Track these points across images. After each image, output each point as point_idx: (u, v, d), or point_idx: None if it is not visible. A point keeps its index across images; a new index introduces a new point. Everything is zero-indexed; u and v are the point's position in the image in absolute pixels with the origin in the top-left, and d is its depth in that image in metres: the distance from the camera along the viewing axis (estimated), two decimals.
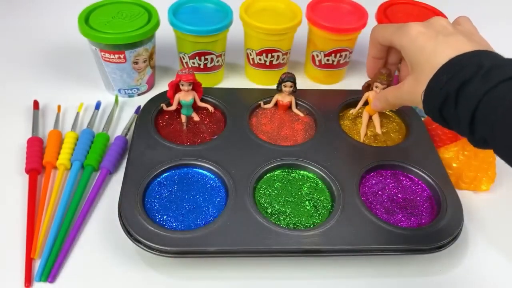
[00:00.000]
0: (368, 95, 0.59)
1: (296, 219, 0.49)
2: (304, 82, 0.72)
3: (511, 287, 0.49)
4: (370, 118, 0.61)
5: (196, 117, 0.59)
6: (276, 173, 0.54)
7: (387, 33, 0.47)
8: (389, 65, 0.53)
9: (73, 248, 0.48)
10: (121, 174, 0.53)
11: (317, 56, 0.69)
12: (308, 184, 0.53)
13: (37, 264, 0.46)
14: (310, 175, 0.54)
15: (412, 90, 0.43)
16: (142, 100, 0.62)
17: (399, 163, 0.55)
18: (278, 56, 0.67)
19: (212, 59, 0.66)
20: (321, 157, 0.55)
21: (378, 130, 0.60)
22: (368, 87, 0.59)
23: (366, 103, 0.60)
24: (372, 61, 0.53)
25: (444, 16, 0.68)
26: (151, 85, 0.69)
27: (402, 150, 0.57)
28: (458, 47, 0.39)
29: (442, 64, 0.39)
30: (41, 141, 0.57)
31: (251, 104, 0.61)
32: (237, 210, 0.48)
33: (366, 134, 0.60)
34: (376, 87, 0.56)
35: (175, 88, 0.57)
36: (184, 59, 0.66)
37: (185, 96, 0.57)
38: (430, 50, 0.41)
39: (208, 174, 0.53)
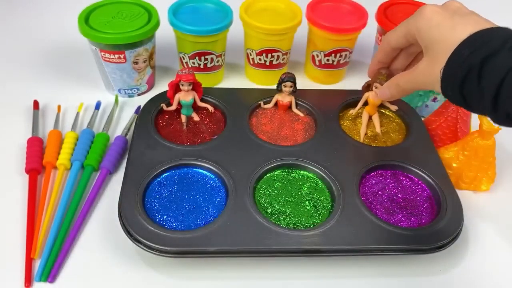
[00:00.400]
0: (368, 95, 0.59)
1: (296, 219, 0.49)
2: (304, 82, 0.72)
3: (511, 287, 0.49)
4: (370, 118, 0.61)
5: (196, 117, 0.59)
6: (276, 173, 0.54)
7: (400, 29, 0.47)
8: (393, 71, 0.53)
9: (73, 248, 0.48)
10: (121, 174, 0.53)
11: (317, 56, 0.69)
12: (308, 184, 0.53)
13: (37, 264, 0.46)
14: (310, 175, 0.54)
15: (427, 71, 0.42)
16: (142, 100, 0.62)
17: (399, 163, 0.55)
18: (278, 56, 0.67)
19: (212, 59, 0.66)
20: (321, 157, 0.55)
21: (378, 129, 0.60)
22: (368, 87, 0.59)
23: (366, 103, 0.60)
24: (377, 64, 0.53)
25: None
26: (151, 85, 0.69)
27: (402, 150, 0.57)
28: (476, 24, 0.39)
29: (463, 38, 0.38)
30: (41, 141, 0.57)
31: (251, 104, 0.61)
32: (237, 210, 0.48)
33: (366, 134, 0.60)
34: (376, 87, 0.56)
35: (175, 88, 0.57)
36: (184, 59, 0.66)
37: (185, 96, 0.57)
38: (448, 27, 0.40)
39: (208, 174, 0.53)
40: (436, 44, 0.41)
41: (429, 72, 0.42)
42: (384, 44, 0.50)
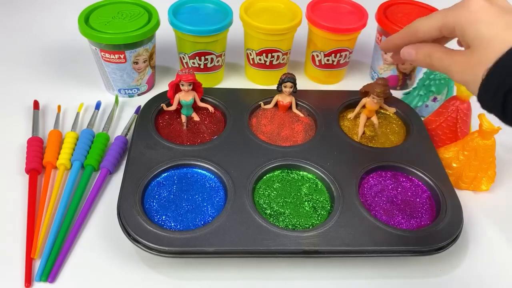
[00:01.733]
0: (365, 101, 0.59)
1: (295, 220, 0.49)
2: (304, 82, 0.72)
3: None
4: (369, 119, 0.61)
5: (196, 117, 0.60)
6: (275, 173, 0.54)
7: (435, 19, 0.41)
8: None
9: (73, 248, 0.48)
10: (121, 174, 0.53)
11: (317, 56, 0.69)
12: (307, 185, 0.53)
13: (37, 264, 0.46)
14: (310, 175, 0.54)
15: (467, 66, 0.38)
16: (142, 100, 0.62)
17: (399, 164, 0.55)
18: (278, 56, 0.67)
19: (212, 59, 0.66)
20: (320, 158, 0.55)
21: (377, 125, 0.60)
22: (365, 93, 0.59)
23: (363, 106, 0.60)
24: (392, 47, 0.46)
25: None
26: (151, 85, 0.69)
27: (402, 151, 0.57)
28: None
29: None
30: (41, 141, 0.57)
31: (251, 104, 0.61)
32: (236, 210, 0.48)
33: (364, 133, 0.60)
34: (373, 98, 0.57)
35: (175, 88, 0.57)
36: (184, 59, 0.66)
37: (185, 96, 0.57)
38: (500, 25, 0.36)
39: (207, 174, 0.53)
40: (485, 41, 0.36)
41: (469, 67, 0.38)
42: (411, 31, 0.43)
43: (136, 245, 0.45)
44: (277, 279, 0.48)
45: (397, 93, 0.71)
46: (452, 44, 0.42)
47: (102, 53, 0.61)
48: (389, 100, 0.61)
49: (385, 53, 0.51)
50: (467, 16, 0.38)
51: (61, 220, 0.50)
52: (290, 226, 0.49)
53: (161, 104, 0.59)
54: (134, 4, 0.65)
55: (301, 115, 0.62)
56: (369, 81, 0.72)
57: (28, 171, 0.54)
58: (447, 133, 0.60)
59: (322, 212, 0.50)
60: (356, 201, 0.50)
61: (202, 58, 0.65)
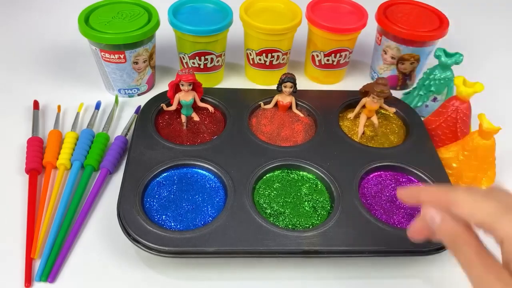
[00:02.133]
0: (365, 101, 0.59)
1: (295, 220, 0.49)
2: (304, 82, 0.72)
3: None
4: (369, 119, 0.61)
5: (196, 117, 0.60)
6: (275, 173, 0.54)
7: (482, 212, 0.31)
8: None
9: (73, 248, 0.48)
10: (121, 174, 0.53)
11: (317, 56, 0.69)
12: (307, 185, 0.53)
13: (37, 264, 0.46)
14: (310, 175, 0.54)
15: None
16: (142, 100, 0.62)
17: (399, 164, 0.55)
18: (278, 56, 0.67)
19: (212, 59, 0.66)
20: (320, 158, 0.55)
21: (376, 125, 0.60)
22: (365, 93, 0.59)
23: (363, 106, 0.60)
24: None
25: (444, 17, 0.68)
26: (151, 85, 0.69)
27: (402, 151, 0.57)
28: None
29: None
30: (41, 141, 0.57)
31: (251, 104, 0.61)
32: (236, 210, 0.48)
33: (363, 133, 0.60)
34: (373, 98, 0.57)
35: (175, 88, 0.57)
36: (184, 59, 0.66)
37: (185, 96, 0.57)
38: None
39: (207, 174, 0.53)
40: None
41: None
42: (447, 200, 0.33)
43: (136, 245, 0.45)
44: (277, 279, 0.48)
45: (397, 93, 0.71)
46: None
47: (102, 53, 0.61)
48: (389, 100, 0.61)
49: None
50: None
51: (61, 220, 0.50)
52: (290, 226, 0.49)
53: (161, 104, 0.59)
54: (134, 4, 0.65)
55: (301, 115, 0.62)
56: (369, 81, 0.72)
57: (28, 171, 0.54)
58: (447, 133, 0.60)
59: (322, 212, 0.50)
60: (356, 201, 0.50)
61: (202, 58, 0.65)
